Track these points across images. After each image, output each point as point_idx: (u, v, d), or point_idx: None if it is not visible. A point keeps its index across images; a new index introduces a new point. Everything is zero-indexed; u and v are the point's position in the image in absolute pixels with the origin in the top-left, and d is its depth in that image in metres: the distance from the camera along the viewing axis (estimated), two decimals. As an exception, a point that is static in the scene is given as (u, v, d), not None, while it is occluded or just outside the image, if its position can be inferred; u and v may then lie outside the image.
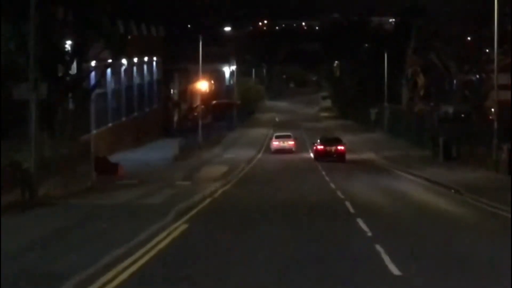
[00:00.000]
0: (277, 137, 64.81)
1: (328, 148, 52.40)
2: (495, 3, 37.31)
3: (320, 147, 52.87)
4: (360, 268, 13.48)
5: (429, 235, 18.10)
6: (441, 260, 14.38)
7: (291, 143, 62.99)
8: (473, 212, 23.48)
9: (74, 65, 36.14)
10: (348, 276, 12.79)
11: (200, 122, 63.96)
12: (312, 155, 56.10)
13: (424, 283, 12.32)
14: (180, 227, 18.77)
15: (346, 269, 13.47)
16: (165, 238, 16.90)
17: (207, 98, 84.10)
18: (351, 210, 23.16)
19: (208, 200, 26.34)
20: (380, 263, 13.79)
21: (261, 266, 13.74)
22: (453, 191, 30.08)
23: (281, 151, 61.05)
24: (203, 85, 74.27)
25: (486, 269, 13.57)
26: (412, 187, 33.12)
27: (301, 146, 64.09)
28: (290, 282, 12.43)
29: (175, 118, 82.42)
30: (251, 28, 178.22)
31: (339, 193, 29.09)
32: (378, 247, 15.29)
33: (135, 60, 62.00)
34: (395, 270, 13.00)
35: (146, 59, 68.02)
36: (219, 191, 30.26)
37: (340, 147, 52.48)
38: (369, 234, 17.71)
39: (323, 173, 40.53)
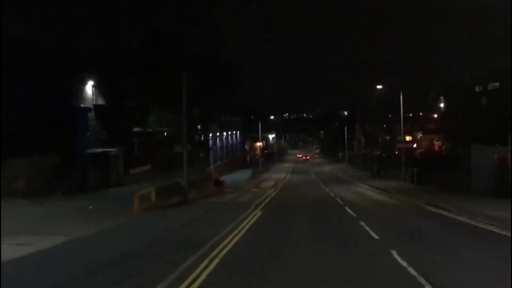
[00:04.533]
0: (299, 154, 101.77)
1: (303, 157, 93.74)
2: (401, 101, 35.60)
3: (299, 156, 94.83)
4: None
5: (387, 216, 16.20)
6: (399, 229, 12.71)
7: (305, 157, 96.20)
8: (401, 202, 21.38)
9: (202, 135, 35.74)
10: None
11: (260, 161, 62.77)
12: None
13: (393, 241, 10.78)
14: (258, 213, 17.46)
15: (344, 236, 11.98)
16: (252, 218, 15.60)
17: (262, 150, 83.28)
18: (341, 202, 21.49)
19: (268, 198, 24.88)
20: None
21: (299, 231, 12.39)
22: (388, 192, 28.09)
23: (300, 158, 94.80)
24: (260, 144, 73.46)
25: (417, 229, 11.97)
26: (367, 190, 30.90)
27: (307, 171, 64.41)
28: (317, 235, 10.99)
29: (248, 159, 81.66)
30: (281, 116, 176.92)
31: (332, 194, 27.29)
32: (362, 223, 13.70)
33: (229, 132, 61.59)
34: (375, 236, 11.53)
35: (234, 132, 67.61)
36: (273, 194, 28.68)
37: (307, 157, 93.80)
38: (355, 215, 16.08)
39: (323, 186, 38.79)
